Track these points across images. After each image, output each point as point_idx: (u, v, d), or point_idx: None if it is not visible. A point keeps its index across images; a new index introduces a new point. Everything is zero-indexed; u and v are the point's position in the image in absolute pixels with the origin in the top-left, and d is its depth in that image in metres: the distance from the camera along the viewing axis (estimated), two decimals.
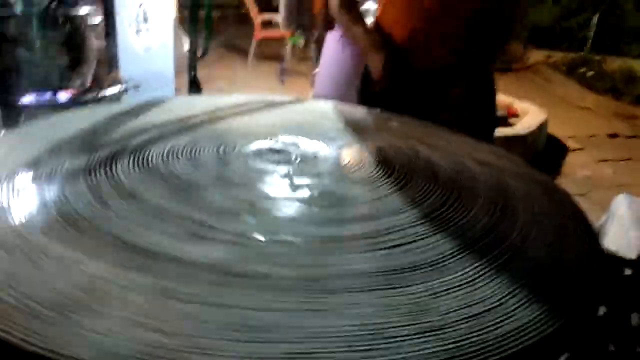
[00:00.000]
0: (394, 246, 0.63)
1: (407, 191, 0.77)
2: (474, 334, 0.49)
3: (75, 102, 1.34)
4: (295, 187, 0.76)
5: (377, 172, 0.83)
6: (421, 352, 0.47)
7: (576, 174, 3.59)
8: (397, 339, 0.47)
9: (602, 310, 0.81)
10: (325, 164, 0.85)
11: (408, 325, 0.49)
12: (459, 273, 0.59)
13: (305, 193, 0.75)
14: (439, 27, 1.38)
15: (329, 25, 1.65)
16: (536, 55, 7.30)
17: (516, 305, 0.54)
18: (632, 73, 5.76)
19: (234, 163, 0.83)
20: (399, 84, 1.43)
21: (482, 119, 1.52)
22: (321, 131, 0.98)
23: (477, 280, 0.58)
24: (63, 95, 1.33)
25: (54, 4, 1.37)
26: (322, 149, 0.89)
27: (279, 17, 1.81)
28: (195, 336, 0.46)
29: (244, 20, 7.04)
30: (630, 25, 7.63)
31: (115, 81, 1.60)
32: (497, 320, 0.52)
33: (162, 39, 3.21)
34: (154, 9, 3.09)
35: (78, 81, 1.34)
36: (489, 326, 0.51)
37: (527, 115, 3.71)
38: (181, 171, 0.77)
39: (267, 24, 5.94)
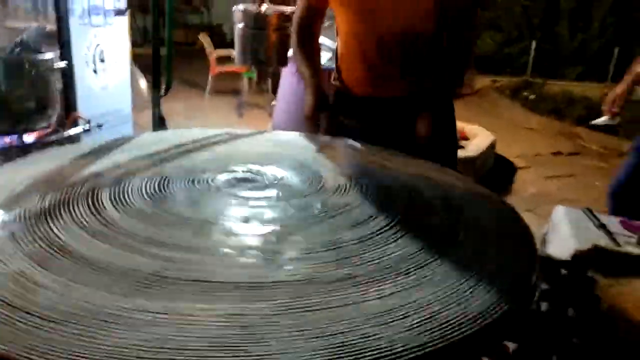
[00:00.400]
0: (354, 256, 0.70)
1: (363, 208, 0.86)
2: (425, 321, 0.58)
3: (40, 143, 1.37)
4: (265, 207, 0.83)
5: (337, 192, 0.91)
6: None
7: (525, 190, 3.80)
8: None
9: (544, 306, 0.90)
10: (290, 188, 0.93)
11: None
12: (413, 275, 0.67)
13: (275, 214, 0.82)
14: (396, 61, 1.49)
15: (283, 60, 1.74)
16: (482, 81, 7.68)
17: (462, 296, 0.63)
18: (572, 95, 6.15)
19: (206, 192, 0.89)
20: (366, 112, 1.54)
21: (448, 143, 1.60)
22: (284, 159, 1.06)
23: (423, 282, 0.66)
24: (29, 137, 1.36)
25: (17, 50, 1.41)
26: (287, 176, 0.97)
27: (235, 53, 1.89)
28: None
29: (199, 55, 7.13)
30: (565, 51, 8.15)
31: (77, 121, 1.64)
32: (447, 310, 0.60)
33: (119, 77, 3.24)
34: (110, 49, 3.13)
35: (43, 123, 1.37)
36: (440, 314, 0.59)
37: (476, 137, 3.91)
38: (155, 202, 0.83)
39: (222, 59, 6.04)
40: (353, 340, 0.54)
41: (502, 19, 8.61)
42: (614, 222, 1.33)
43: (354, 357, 0.52)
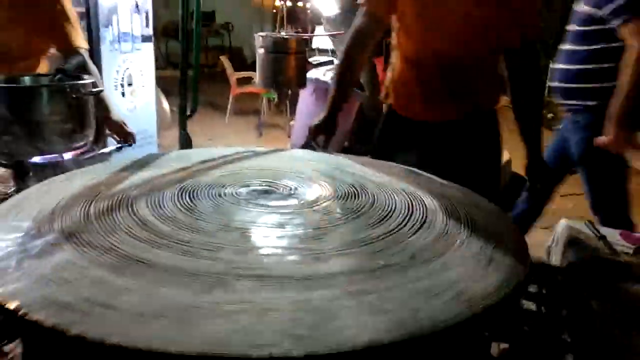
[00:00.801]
0: (384, 248, 0.83)
1: (375, 210, 0.96)
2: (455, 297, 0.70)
3: (77, 161, 1.49)
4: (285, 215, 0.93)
5: (349, 199, 1.01)
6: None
7: (566, 220, 3.81)
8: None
9: (542, 308, 0.98)
10: (307, 197, 1.03)
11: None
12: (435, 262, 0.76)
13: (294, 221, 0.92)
14: (453, 83, 1.55)
15: (301, 82, 1.86)
16: (501, 101, 7.75)
17: (479, 277, 0.74)
18: None
19: (234, 203, 0.99)
20: (419, 135, 1.61)
21: (494, 163, 1.67)
22: (298, 173, 1.17)
23: (444, 267, 0.75)
24: (67, 155, 1.49)
25: (58, 77, 1.55)
26: (301, 186, 1.08)
27: (256, 77, 2.01)
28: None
29: (219, 77, 7.34)
30: None
31: (110, 140, 1.77)
32: (471, 287, 0.72)
33: (145, 100, 3.42)
34: (137, 73, 3.31)
35: (81, 142, 1.50)
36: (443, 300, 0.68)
37: None
38: (192, 213, 0.93)
39: (242, 81, 6.23)
40: (404, 314, 0.65)
41: None
42: (614, 234, 1.40)
43: (410, 328, 0.63)
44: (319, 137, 1.54)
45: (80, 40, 1.81)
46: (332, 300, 0.68)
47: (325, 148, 1.53)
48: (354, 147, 2.59)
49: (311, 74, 3.51)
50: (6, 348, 0.94)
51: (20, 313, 0.63)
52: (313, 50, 4.30)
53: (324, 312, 0.65)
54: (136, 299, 0.66)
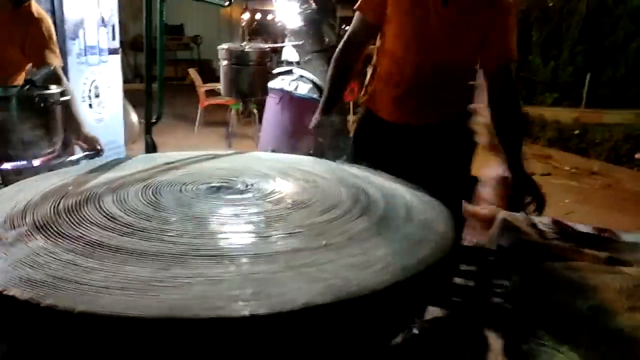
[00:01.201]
0: (326, 232, 0.92)
1: (324, 201, 1.06)
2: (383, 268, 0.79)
3: (46, 168, 1.56)
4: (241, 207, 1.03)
5: (301, 192, 1.12)
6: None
7: (505, 213, 3.98)
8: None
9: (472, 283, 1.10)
10: (262, 191, 1.13)
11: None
12: (371, 241, 0.87)
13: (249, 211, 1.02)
14: (432, 88, 1.65)
15: (263, 91, 1.96)
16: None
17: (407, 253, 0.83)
18: (544, 120, 6.45)
19: (194, 197, 1.08)
20: (393, 137, 1.71)
21: (467, 168, 1.79)
22: (253, 171, 1.27)
23: (376, 246, 0.86)
24: (36, 161, 1.55)
25: (27, 87, 1.62)
26: (257, 182, 1.18)
27: (220, 86, 2.11)
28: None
29: (188, 90, 7.39)
30: (540, 79, 8.51)
31: (78, 148, 1.84)
32: (398, 261, 0.81)
33: (113, 111, 3.47)
34: (104, 85, 3.36)
35: (49, 149, 1.57)
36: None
37: None
38: (154, 205, 1.02)
39: (211, 93, 6.31)
40: (338, 282, 0.76)
41: None
42: (546, 222, 1.54)
43: (341, 293, 0.73)
44: (323, 135, 1.63)
45: (52, 57, 1.96)
46: (276, 272, 0.78)
47: (331, 146, 1.62)
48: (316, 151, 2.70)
49: (277, 84, 3.63)
50: None
51: None
52: (282, 62, 4.42)
53: (267, 282, 0.75)
54: (102, 276, 0.75)
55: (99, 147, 1.84)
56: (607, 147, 5.39)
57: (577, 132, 5.90)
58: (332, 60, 1.74)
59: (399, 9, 1.63)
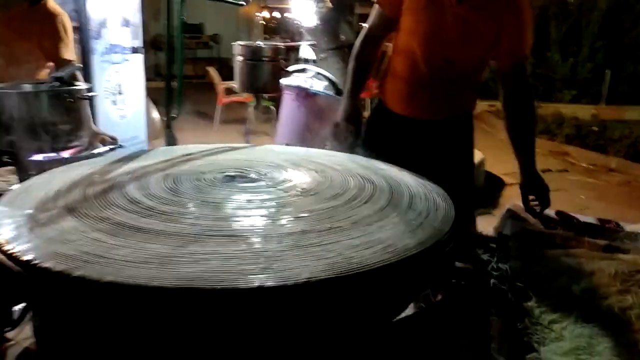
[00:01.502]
0: (333, 216, 1.00)
1: (332, 189, 1.13)
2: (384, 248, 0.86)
3: (74, 159, 1.66)
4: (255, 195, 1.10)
5: (311, 181, 1.19)
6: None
7: (511, 204, 4.03)
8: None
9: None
10: (274, 180, 1.20)
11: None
12: (374, 225, 0.94)
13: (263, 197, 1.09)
14: (444, 84, 1.70)
15: (276, 87, 2.03)
16: (481, 106, 7.99)
17: (406, 236, 0.90)
18: (562, 116, 6.41)
19: (211, 185, 1.16)
20: (402, 130, 1.76)
21: (467, 161, 1.85)
22: (266, 162, 1.34)
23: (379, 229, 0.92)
24: (65, 154, 1.65)
25: (55, 84, 1.72)
26: (269, 172, 1.25)
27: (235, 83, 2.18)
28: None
29: (208, 88, 7.52)
30: (558, 75, 8.45)
31: (104, 141, 1.93)
32: (398, 243, 0.87)
33: (135, 108, 3.59)
34: (127, 83, 3.48)
35: (77, 142, 1.67)
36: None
37: None
38: (174, 192, 1.10)
39: (230, 91, 6.41)
40: (340, 260, 0.82)
41: None
42: (550, 212, 1.58)
43: (342, 269, 0.80)
44: (348, 129, 1.68)
45: (67, 53, 2.06)
46: (284, 250, 0.85)
47: (355, 138, 1.68)
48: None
49: (293, 81, 3.70)
50: (9, 334, 1.10)
51: (33, 263, 0.80)
52: (299, 59, 4.50)
53: (275, 259, 0.82)
54: (127, 252, 0.83)
55: (111, 140, 1.92)
56: (626, 143, 5.34)
57: (595, 128, 5.86)
58: (352, 56, 1.78)
59: (415, 5, 1.67)
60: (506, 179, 4.54)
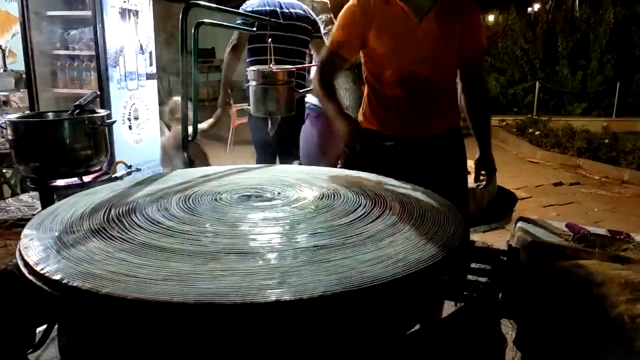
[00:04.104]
0: (346, 232, 1.02)
1: (344, 206, 1.17)
2: (394, 263, 0.89)
3: (95, 183, 1.72)
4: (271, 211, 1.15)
5: (322, 199, 1.23)
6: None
7: (521, 217, 4.02)
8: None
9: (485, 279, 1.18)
10: (288, 198, 1.24)
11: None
12: (385, 241, 0.97)
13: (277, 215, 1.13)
14: (425, 102, 1.76)
15: (289, 109, 2.08)
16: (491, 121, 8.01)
17: (416, 250, 0.93)
18: (573, 129, 6.40)
19: (228, 204, 1.21)
20: (393, 151, 1.80)
21: (461, 176, 1.91)
22: (279, 182, 1.39)
23: (391, 244, 0.96)
24: (87, 178, 1.71)
25: (76, 111, 1.79)
26: (283, 191, 1.30)
27: (250, 106, 2.23)
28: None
29: None
30: (568, 89, 8.46)
31: (122, 165, 1.99)
32: (408, 257, 0.90)
33: (151, 132, 3.67)
34: (142, 108, 3.57)
35: (97, 167, 1.73)
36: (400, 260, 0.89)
37: None
38: (192, 212, 1.15)
39: (242, 113, 6.51)
40: (353, 275, 0.86)
41: (504, 62, 9.00)
42: (560, 225, 1.60)
43: (355, 283, 0.83)
44: (361, 139, 1.75)
45: None
46: (299, 266, 0.89)
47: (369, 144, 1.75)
48: (346, 164, 2.81)
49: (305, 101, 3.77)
50: (31, 356, 1.14)
51: (62, 282, 0.84)
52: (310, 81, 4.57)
53: (290, 274, 0.86)
54: (149, 270, 0.87)
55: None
56: (639, 155, 5.32)
57: (607, 140, 5.83)
58: (319, 88, 1.81)
59: (382, 34, 1.74)
60: (518, 194, 4.54)
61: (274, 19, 2.46)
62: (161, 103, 3.94)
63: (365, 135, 1.78)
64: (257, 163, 3.33)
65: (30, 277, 0.91)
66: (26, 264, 0.93)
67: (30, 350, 1.10)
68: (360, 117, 1.94)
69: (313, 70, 3.54)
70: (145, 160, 3.47)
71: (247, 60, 3.18)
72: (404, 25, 1.72)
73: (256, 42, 2.97)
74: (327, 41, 1.91)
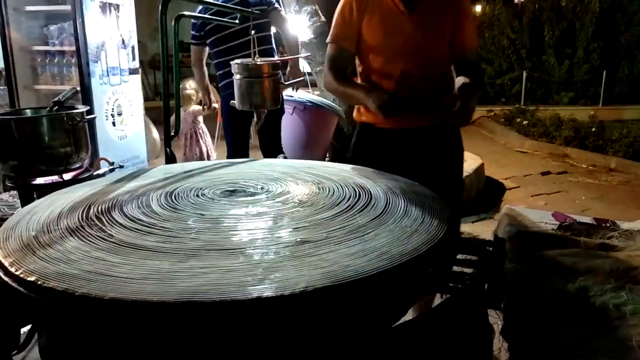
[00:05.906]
0: (330, 226, 1.00)
1: (328, 199, 1.15)
2: (378, 256, 0.87)
3: (76, 180, 1.68)
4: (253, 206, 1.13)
5: (306, 193, 1.21)
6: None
7: (507, 206, 4.05)
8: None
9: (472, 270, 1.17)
10: (270, 193, 1.22)
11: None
12: (369, 233, 0.96)
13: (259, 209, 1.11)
14: (417, 93, 1.72)
15: (276, 101, 2.05)
16: (479, 112, 8.04)
17: (400, 243, 0.91)
18: (560, 119, 6.43)
19: (210, 200, 1.19)
20: (389, 142, 1.79)
21: (457, 167, 1.89)
22: (262, 177, 1.37)
23: (375, 237, 0.94)
24: (67, 176, 1.68)
25: (55, 107, 1.75)
26: (265, 186, 1.28)
27: (235, 100, 2.20)
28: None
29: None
30: (555, 78, 8.48)
31: (103, 162, 1.96)
32: (392, 250, 0.89)
33: (135, 128, 3.62)
34: (126, 103, 3.52)
35: (78, 164, 1.69)
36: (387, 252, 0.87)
37: (465, 162, 4.18)
38: (173, 208, 1.13)
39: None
40: (336, 269, 0.85)
41: (492, 53, 9.01)
42: (547, 214, 1.60)
43: (338, 277, 0.82)
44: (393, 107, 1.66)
45: None
46: (282, 261, 0.87)
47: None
48: (334, 158, 2.80)
49: (290, 95, 3.75)
50: (16, 358, 1.11)
51: (37, 283, 0.82)
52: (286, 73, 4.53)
53: (273, 269, 0.84)
54: (127, 269, 0.85)
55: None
56: (625, 143, 5.35)
57: (594, 129, 5.87)
58: (330, 81, 1.81)
59: (373, 25, 1.74)
60: (507, 184, 4.56)
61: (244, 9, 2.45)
62: (146, 99, 3.89)
63: (402, 104, 1.70)
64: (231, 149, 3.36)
65: (6, 279, 0.88)
66: (1, 265, 0.91)
67: (15, 351, 1.08)
68: (354, 112, 1.93)
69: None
70: (129, 156, 3.43)
71: (213, 62, 3.25)
72: (394, 16, 1.72)
73: (217, 46, 3.05)
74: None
